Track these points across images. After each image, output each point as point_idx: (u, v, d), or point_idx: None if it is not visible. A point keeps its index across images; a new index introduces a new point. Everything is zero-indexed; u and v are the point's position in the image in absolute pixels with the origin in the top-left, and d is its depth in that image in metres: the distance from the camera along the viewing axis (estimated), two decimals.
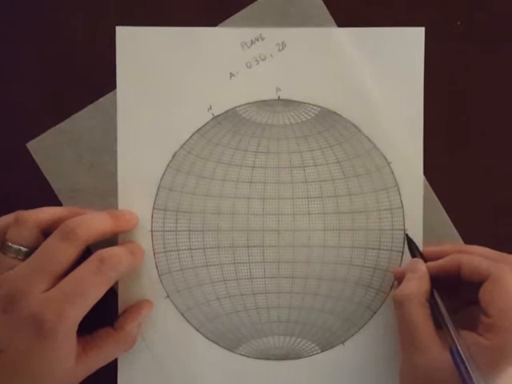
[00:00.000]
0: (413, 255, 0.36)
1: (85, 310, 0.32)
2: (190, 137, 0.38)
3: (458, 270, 0.33)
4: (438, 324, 0.32)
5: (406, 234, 0.37)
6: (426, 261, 0.35)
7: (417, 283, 0.33)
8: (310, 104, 0.38)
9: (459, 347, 0.30)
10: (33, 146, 0.38)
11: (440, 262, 0.34)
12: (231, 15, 0.38)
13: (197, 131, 0.38)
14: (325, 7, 0.38)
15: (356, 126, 0.38)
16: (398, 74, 0.38)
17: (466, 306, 0.34)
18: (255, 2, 0.38)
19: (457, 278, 0.33)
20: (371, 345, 0.37)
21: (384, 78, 0.38)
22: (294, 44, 0.38)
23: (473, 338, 0.31)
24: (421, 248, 0.37)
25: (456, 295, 0.34)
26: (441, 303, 0.33)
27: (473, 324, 0.32)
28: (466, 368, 0.30)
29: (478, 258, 0.33)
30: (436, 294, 0.33)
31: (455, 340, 0.31)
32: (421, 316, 0.32)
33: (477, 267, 0.32)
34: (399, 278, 0.36)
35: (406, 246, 0.38)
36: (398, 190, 0.38)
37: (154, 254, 0.38)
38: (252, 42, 0.38)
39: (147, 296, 0.37)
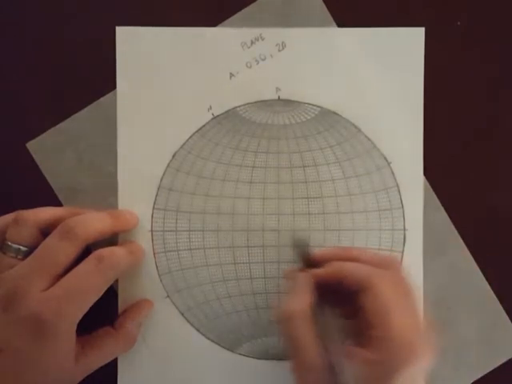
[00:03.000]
0: (301, 261, 0.34)
1: (84, 309, 0.32)
2: (190, 137, 0.38)
3: (340, 278, 0.31)
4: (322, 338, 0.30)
5: (298, 235, 0.35)
6: (314, 265, 0.33)
7: (300, 299, 0.31)
8: (310, 104, 0.38)
9: (337, 368, 0.29)
10: (33, 146, 0.38)
11: (323, 270, 0.32)
12: (231, 15, 0.38)
13: (197, 131, 0.38)
14: (325, 7, 0.38)
15: (356, 126, 0.38)
16: (398, 74, 0.38)
17: (354, 314, 0.31)
18: (255, 2, 0.38)
19: (340, 284, 0.32)
20: None
21: (384, 77, 0.38)
22: (294, 44, 0.38)
23: (358, 352, 0.29)
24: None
25: (346, 301, 0.32)
26: (324, 318, 0.31)
27: (359, 336, 0.30)
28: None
29: (360, 265, 0.31)
30: (319, 308, 0.31)
31: (334, 359, 0.29)
32: (307, 335, 0.30)
33: (357, 276, 0.31)
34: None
35: (406, 246, 0.38)
36: (398, 190, 0.38)
37: (154, 253, 0.38)
38: (252, 42, 0.38)
39: (147, 296, 0.37)
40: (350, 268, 0.32)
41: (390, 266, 0.32)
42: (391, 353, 0.29)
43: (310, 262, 0.33)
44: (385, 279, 0.31)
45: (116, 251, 0.33)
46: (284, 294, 0.37)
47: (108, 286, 0.33)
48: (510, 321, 0.38)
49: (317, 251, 0.34)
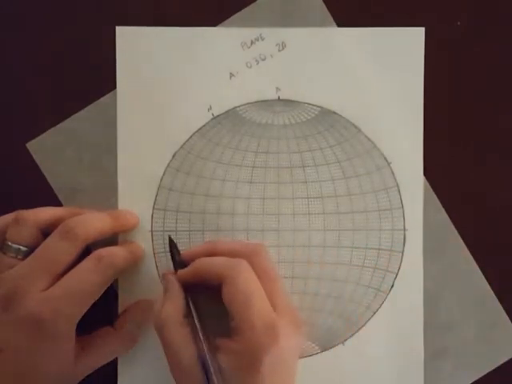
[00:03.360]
0: (173, 259, 0.34)
1: (83, 309, 0.32)
2: (190, 137, 0.38)
3: (202, 275, 0.32)
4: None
5: (169, 236, 0.35)
6: (185, 265, 0.33)
7: (171, 304, 0.31)
8: (310, 104, 0.38)
9: (206, 362, 0.29)
10: (33, 146, 0.38)
11: (186, 270, 0.32)
12: (231, 15, 0.38)
13: (197, 131, 0.38)
14: (325, 7, 0.38)
15: (356, 126, 0.38)
16: (398, 74, 0.38)
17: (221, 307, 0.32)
18: (255, 2, 0.38)
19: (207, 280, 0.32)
20: (371, 345, 0.37)
21: (384, 77, 0.38)
22: (294, 44, 0.38)
23: (225, 344, 0.30)
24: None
25: (215, 296, 0.32)
26: (195, 318, 0.31)
27: (228, 327, 0.31)
28: (209, 379, 0.29)
29: (214, 259, 0.32)
30: (191, 306, 0.32)
31: (206, 356, 0.30)
32: (180, 339, 0.30)
33: (215, 271, 0.31)
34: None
35: (406, 246, 0.38)
36: (398, 190, 0.38)
37: (154, 253, 0.38)
38: (252, 42, 0.38)
39: (147, 296, 0.37)
40: (206, 263, 0.32)
41: (249, 253, 0.32)
42: (253, 339, 0.29)
43: (180, 263, 0.34)
44: (240, 268, 0.31)
45: (116, 251, 0.33)
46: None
47: (108, 285, 0.33)
48: (510, 321, 0.38)
49: (184, 251, 0.34)
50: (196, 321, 0.31)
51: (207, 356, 0.30)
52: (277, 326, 0.30)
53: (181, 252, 0.34)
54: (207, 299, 0.32)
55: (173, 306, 0.31)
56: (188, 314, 0.31)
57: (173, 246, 0.34)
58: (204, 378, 0.29)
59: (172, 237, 0.35)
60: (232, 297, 0.30)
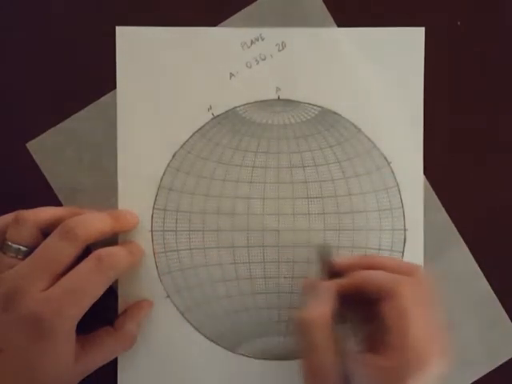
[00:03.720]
0: (323, 270, 0.34)
1: (84, 309, 0.32)
2: (190, 137, 0.38)
3: (362, 287, 0.32)
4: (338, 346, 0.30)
5: (322, 244, 0.35)
6: (335, 274, 0.33)
7: (322, 307, 0.31)
8: (310, 104, 0.38)
9: (351, 377, 0.29)
10: (33, 146, 0.38)
11: (345, 280, 0.32)
12: (231, 15, 0.38)
13: (197, 131, 0.38)
14: (325, 7, 0.38)
15: (356, 126, 0.38)
16: (398, 74, 0.38)
17: (372, 320, 0.32)
18: (255, 2, 0.38)
19: (361, 292, 0.32)
20: None
21: (384, 77, 0.38)
22: (294, 44, 0.38)
23: (373, 359, 0.30)
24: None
25: (363, 308, 0.32)
26: (343, 327, 0.31)
27: (376, 342, 0.31)
28: None
29: (381, 273, 0.32)
30: (338, 316, 0.31)
31: (350, 368, 0.29)
32: (325, 343, 0.30)
33: (379, 284, 0.31)
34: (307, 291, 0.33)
35: (407, 246, 0.38)
36: (398, 189, 0.38)
37: (154, 253, 0.38)
38: (252, 42, 0.38)
39: (147, 296, 0.37)
40: (372, 277, 0.32)
41: (412, 273, 0.32)
42: (406, 360, 0.29)
43: (332, 271, 0.34)
44: (406, 287, 0.31)
45: (116, 251, 0.33)
46: (284, 294, 0.38)
47: (108, 286, 0.33)
48: (510, 321, 0.38)
49: (338, 260, 0.34)
50: (344, 328, 0.31)
51: (353, 368, 0.29)
52: (430, 352, 0.30)
53: (333, 262, 0.34)
54: (353, 312, 0.33)
55: (322, 309, 0.31)
56: (333, 321, 0.31)
57: (325, 254, 0.34)
58: None
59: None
60: (393, 314, 0.30)
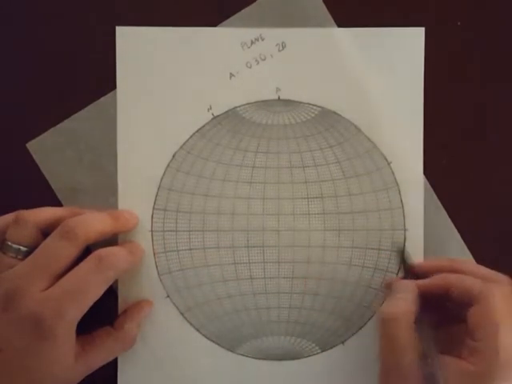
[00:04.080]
0: (404, 270, 0.36)
1: (84, 309, 0.32)
2: (190, 137, 0.38)
3: (447, 290, 0.32)
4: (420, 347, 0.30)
5: (402, 247, 0.36)
6: (416, 276, 0.34)
7: (406, 303, 0.31)
8: (310, 104, 0.38)
9: (433, 379, 0.29)
10: (33, 146, 0.38)
11: (429, 281, 0.33)
12: (231, 15, 0.38)
13: (197, 131, 0.38)
14: (325, 7, 0.38)
15: (356, 126, 0.38)
16: (397, 74, 0.38)
17: (451, 323, 0.32)
18: (255, 2, 0.38)
19: (445, 295, 0.32)
20: (371, 345, 0.37)
21: (384, 78, 0.38)
22: (294, 44, 0.38)
23: (455, 362, 0.30)
24: (419, 255, 0.36)
25: (441, 311, 0.33)
26: (425, 327, 0.31)
27: (456, 345, 0.30)
28: None
29: (469, 278, 0.32)
30: (421, 316, 0.31)
31: (433, 369, 0.29)
32: (408, 340, 0.30)
33: (467, 288, 0.31)
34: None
35: (407, 246, 0.38)
36: (398, 189, 0.38)
37: (154, 253, 0.38)
38: (252, 42, 0.38)
39: (147, 296, 0.37)
40: (460, 281, 0.32)
41: (499, 280, 0.32)
42: (492, 367, 0.29)
43: (412, 272, 0.34)
44: (496, 294, 0.31)
45: (116, 251, 0.33)
46: (284, 294, 0.38)
47: (108, 286, 0.33)
48: None
49: (421, 262, 0.35)
50: (427, 335, 0.31)
51: (435, 370, 0.29)
52: None
53: (415, 264, 0.35)
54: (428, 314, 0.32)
55: (409, 308, 0.31)
56: (415, 322, 0.31)
57: (408, 255, 0.35)
58: None
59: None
60: (482, 319, 0.30)
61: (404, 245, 0.37)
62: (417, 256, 0.38)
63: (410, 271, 0.35)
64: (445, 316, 0.33)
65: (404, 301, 0.32)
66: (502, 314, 0.30)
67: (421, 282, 0.33)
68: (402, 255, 0.36)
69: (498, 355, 0.29)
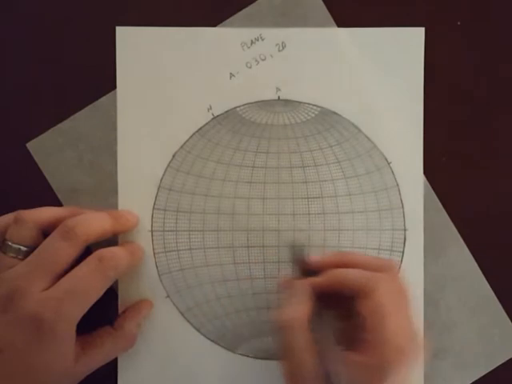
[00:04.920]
0: (298, 268, 0.34)
1: (84, 309, 0.32)
2: (190, 137, 0.38)
3: (338, 285, 0.32)
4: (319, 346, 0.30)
5: (294, 244, 0.36)
6: (311, 272, 0.33)
7: (300, 307, 0.31)
8: (310, 104, 0.38)
9: (333, 375, 0.29)
10: (33, 146, 0.38)
11: (321, 279, 0.32)
12: (231, 15, 0.38)
13: (197, 131, 0.38)
14: (325, 7, 0.38)
15: (356, 126, 0.38)
16: (398, 74, 0.38)
17: (351, 317, 0.32)
18: (255, 2, 0.38)
19: (339, 290, 0.32)
20: None
21: (384, 77, 0.38)
22: (294, 44, 0.38)
23: (353, 356, 0.30)
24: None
25: (341, 305, 0.32)
26: (324, 325, 0.31)
27: (355, 339, 0.30)
28: None
29: (356, 271, 0.32)
30: (316, 315, 0.31)
31: (330, 367, 0.29)
32: (304, 344, 0.30)
33: (354, 283, 0.31)
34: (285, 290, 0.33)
35: (407, 246, 0.38)
36: (398, 189, 0.38)
37: (154, 253, 0.38)
38: (252, 42, 0.38)
39: (147, 296, 0.37)
40: (344, 274, 0.32)
41: (387, 269, 0.32)
42: (385, 356, 0.29)
43: (307, 269, 0.34)
44: (381, 284, 0.31)
45: (116, 251, 0.33)
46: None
47: (108, 286, 0.33)
48: (510, 321, 0.38)
49: (313, 258, 0.34)
50: (322, 327, 0.31)
51: (334, 367, 0.29)
52: (407, 347, 0.30)
53: (307, 260, 0.34)
54: (329, 310, 0.32)
55: (299, 310, 0.31)
56: (312, 320, 0.31)
57: (301, 251, 0.34)
58: None
59: (298, 245, 0.35)
60: (370, 310, 0.30)
61: (294, 240, 0.36)
62: (417, 256, 0.38)
63: (304, 269, 0.34)
64: (346, 310, 0.32)
65: (297, 305, 0.31)
66: (389, 304, 0.30)
67: (313, 280, 0.32)
68: (292, 251, 0.35)
69: (387, 345, 0.29)
